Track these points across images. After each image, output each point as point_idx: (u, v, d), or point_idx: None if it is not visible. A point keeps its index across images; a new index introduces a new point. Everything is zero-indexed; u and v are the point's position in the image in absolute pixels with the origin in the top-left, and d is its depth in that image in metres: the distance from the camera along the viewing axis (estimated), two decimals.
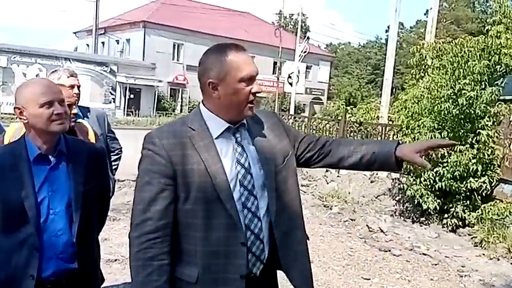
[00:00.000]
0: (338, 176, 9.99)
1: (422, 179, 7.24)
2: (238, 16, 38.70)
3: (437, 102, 7.36)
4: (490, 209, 6.61)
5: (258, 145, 1.72)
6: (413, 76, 9.01)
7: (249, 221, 1.65)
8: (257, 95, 1.71)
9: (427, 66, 8.34)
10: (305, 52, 27.19)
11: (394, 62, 14.18)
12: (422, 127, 7.47)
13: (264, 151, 1.71)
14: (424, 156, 1.81)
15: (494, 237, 6.18)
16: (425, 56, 8.38)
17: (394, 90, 20.84)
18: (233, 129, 1.70)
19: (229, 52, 1.64)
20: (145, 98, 31.00)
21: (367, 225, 7.01)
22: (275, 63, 34.81)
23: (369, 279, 4.91)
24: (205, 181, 1.61)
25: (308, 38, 31.57)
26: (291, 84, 27.08)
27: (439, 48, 8.09)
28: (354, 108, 14.68)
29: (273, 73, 35.63)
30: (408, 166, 7.43)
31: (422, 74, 8.53)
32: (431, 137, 7.21)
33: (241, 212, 1.64)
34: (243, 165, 1.66)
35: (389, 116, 11.88)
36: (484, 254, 5.95)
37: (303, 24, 42.87)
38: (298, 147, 1.86)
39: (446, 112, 7.17)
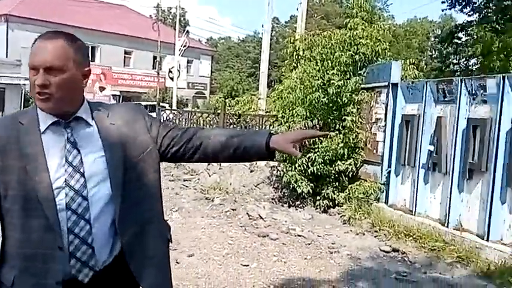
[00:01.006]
0: (220, 169, 10.09)
1: (296, 165, 7.62)
2: (112, 9, 37.01)
3: (309, 91, 7.79)
4: (356, 188, 7.17)
5: (105, 140, 1.62)
6: (287, 67, 9.42)
7: (72, 223, 1.54)
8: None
9: (299, 57, 8.75)
10: (185, 46, 26.96)
11: (269, 55, 14.70)
12: (296, 116, 7.84)
13: (112, 146, 1.62)
14: (298, 144, 1.81)
15: (360, 214, 6.73)
16: (298, 48, 8.78)
17: (273, 83, 21.60)
18: (63, 124, 1.59)
19: (35, 40, 1.57)
20: (10, 98, 28.24)
21: (247, 214, 7.18)
22: (155, 57, 34.00)
23: (248, 265, 5.02)
24: (24, 179, 1.51)
25: (188, 32, 31.34)
26: (172, 78, 26.71)
27: (310, 40, 8.55)
28: (232, 101, 14.96)
29: (153, 68, 34.79)
30: (284, 154, 7.77)
31: (295, 65, 8.94)
32: (304, 125, 7.63)
33: (62, 214, 1.53)
34: (71, 163, 1.56)
35: (266, 107, 12.30)
36: (351, 231, 6.45)
37: (182, 18, 42.43)
38: (162, 142, 1.75)
39: (317, 101, 7.62)
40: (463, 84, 5.78)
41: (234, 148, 1.78)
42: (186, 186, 9.24)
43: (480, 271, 4.91)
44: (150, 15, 42.62)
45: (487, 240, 5.29)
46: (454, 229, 5.79)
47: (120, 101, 28.79)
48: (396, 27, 31.25)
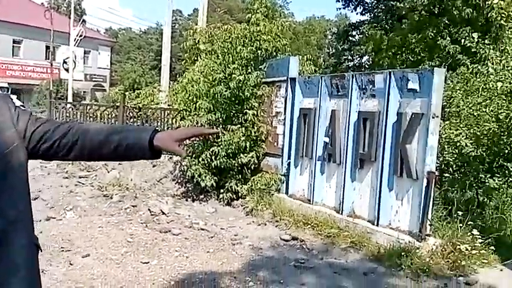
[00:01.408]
0: (120, 164, 9.70)
1: (200, 159, 7.58)
2: None
3: (212, 85, 7.76)
4: (258, 180, 7.31)
5: None
6: (188, 60, 9.30)
7: None
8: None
9: (200, 51, 8.68)
10: (81, 36, 25.49)
11: (172, 48, 14.43)
12: (200, 109, 7.78)
13: None
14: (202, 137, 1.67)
15: (262, 205, 6.88)
16: (198, 41, 8.70)
17: (177, 76, 21.24)
18: None
19: None
20: None
21: (148, 210, 6.99)
22: (47, 47, 31.72)
23: (148, 262, 4.89)
24: None
25: (84, 21, 29.68)
26: (67, 70, 25.16)
27: (211, 33, 8.50)
28: (132, 94, 14.46)
29: (46, 58, 32.46)
30: (188, 148, 7.69)
31: (196, 58, 8.85)
32: (208, 119, 7.61)
33: None
34: None
35: (168, 100, 12.07)
36: (253, 221, 6.58)
37: (78, 7, 40.10)
38: (31, 137, 1.56)
39: (219, 95, 7.62)
40: (354, 79, 6.12)
41: (115, 145, 1.63)
42: (82, 184, 8.76)
43: (371, 254, 5.25)
44: (42, 3, 39.67)
45: (377, 225, 5.68)
46: (347, 216, 6.13)
47: (10, 93, 26.48)
48: (296, 24, 32.30)
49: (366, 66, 19.59)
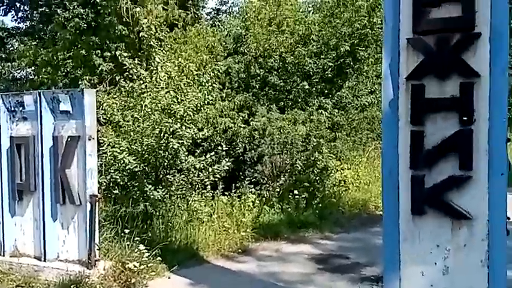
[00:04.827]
0: None
1: None
2: None
3: None
4: None
5: None
6: None
7: None
8: None
9: None
10: None
11: None
12: None
13: None
14: None
15: None
16: None
17: None
18: None
19: None
20: None
21: None
22: None
23: None
24: None
25: None
26: None
27: None
28: None
29: None
30: None
31: None
32: None
33: None
34: None
35: None
36: None
37: None
38: None
39: None
40: (1, 100, 5.44)
41: None
42: None
43: None
44: None
45: (45, 260, 5.21)
46: (11, 256, 5.45)
47: None
48: None
49: (30, 81, 17.76)
